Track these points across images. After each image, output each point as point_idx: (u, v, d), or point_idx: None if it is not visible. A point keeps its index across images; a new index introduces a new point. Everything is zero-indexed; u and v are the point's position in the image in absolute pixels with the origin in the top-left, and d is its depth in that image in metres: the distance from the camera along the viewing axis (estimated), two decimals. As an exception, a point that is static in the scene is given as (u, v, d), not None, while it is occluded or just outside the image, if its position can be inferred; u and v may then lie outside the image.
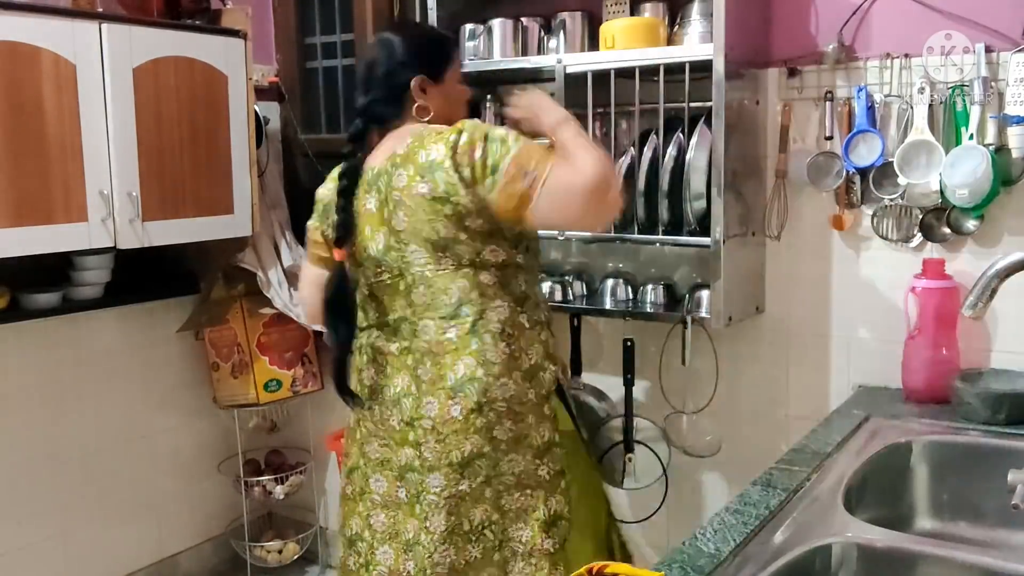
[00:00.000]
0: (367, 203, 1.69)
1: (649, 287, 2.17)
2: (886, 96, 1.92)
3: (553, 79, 2.04)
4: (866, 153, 1.92)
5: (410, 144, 1.64)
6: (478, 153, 1.55)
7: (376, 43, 1.77)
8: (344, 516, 1.83)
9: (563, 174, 1.54)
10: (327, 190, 1.81)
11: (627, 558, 1.92)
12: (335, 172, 1.78)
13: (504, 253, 1.65)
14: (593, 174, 1.52)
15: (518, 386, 1.65)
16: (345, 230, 1.69)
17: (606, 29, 1.98)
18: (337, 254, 1.70)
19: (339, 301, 1.70)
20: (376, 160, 1.70)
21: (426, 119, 1.71)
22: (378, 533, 1.74)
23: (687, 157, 1.92)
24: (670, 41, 2.00)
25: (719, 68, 1.82)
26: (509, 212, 1.56)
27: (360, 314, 1.78)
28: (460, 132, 1.58)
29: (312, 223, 1.84)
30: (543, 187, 1.53)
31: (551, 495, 1.70)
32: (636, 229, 2.05)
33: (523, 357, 1.67)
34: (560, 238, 2.13)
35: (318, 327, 1.90)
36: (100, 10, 2.33)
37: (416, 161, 1.60)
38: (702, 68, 1.87)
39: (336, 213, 1.70)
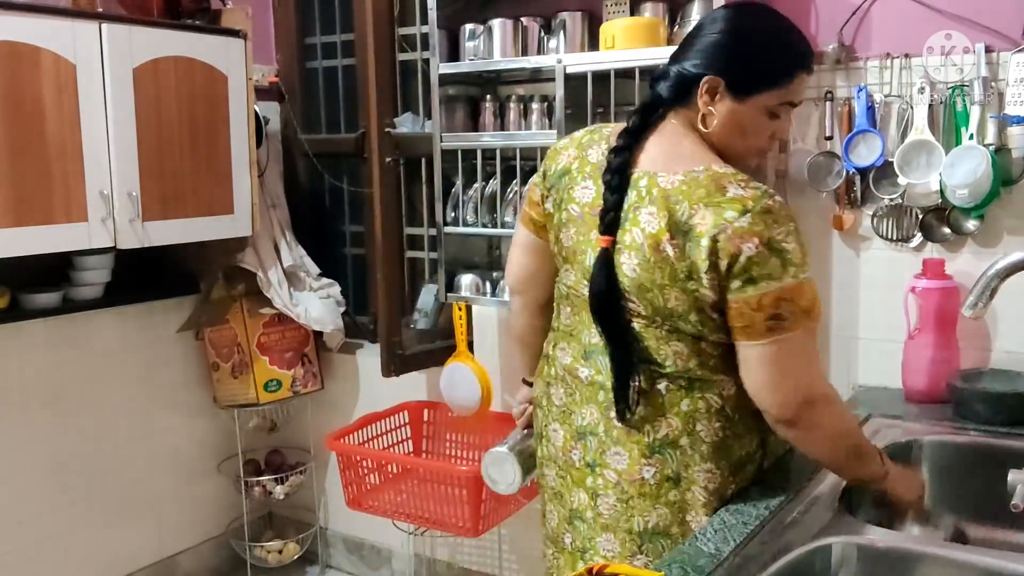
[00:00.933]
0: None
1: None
2: (886, 96, 1.92)
3: (553, 79, 2.03)
4: (866, 153, 1.92)
5: (680, 181, 1.32)
6: (748, 251, 1.25)
7: (723, 13, 1.41)
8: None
9: (804, 353, 1.31)
10: (570, 157, 1.48)
11: None
12: (584, 137, 1.49)
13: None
14: (830, 434, 1.35)
15: (723, 479, 1.39)
16: (614, 221, 1.36)
17: (606, 29, 1.98)
18: (603, 240, 1.36)
19: (608, 299, 1.37)
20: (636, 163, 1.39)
21: (706, 130, 1.38)
22: (546, 567, 1.59)
23: (687, 157, 1.91)
24: (670, 41, 2.00)
25: (719, 68, 1.81)
26: (739, 325, 1.31)
27: (554, 311, 1.56)
28: (744, 212, 1.26)
29: (535, 179, 1.55)
30: (778, 344, 1.28)
31: None
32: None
33: (735, 446, 1.40)
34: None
35: (510, 299, 1.67)
36: (100, 10, 2.34)
37: (672, 211, 1.30)
38: (702, 68, 1.87)
39: (606, 204, 1.37)
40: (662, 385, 1.37)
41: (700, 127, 1.38)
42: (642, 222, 1.33)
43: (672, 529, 1.38)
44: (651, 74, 1.44)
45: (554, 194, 1.49)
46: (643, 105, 1.42)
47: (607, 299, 1.37)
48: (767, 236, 1.26)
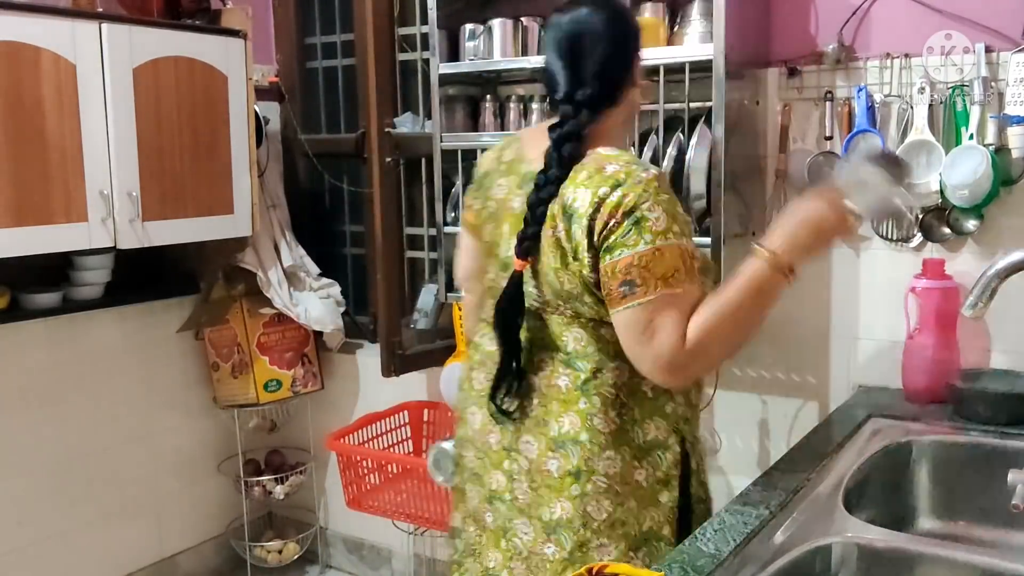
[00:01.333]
0: (513, 201, 1.48)
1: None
2: (886, 96, 1.92)
3: (553, 79, 2.03)
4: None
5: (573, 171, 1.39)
6: (612, 222, 1.32)
7: (593, 11, 1.43)
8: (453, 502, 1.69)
9: (662, 320, 1.30)
10: (490, 160, 1.59)
11: None
12: (504, 142, 1.59)
13: None
14: (675, 360, 1.30)
15: (625, 464, 1.42)
16: (533, 243, 1.41)
17: (606, 29, 1.98)
18: (518, 264, 1.43)
19: (510, 315, 1.45)
20: (535, 155, 1.46)
21: (633, 111, 1.50)
22: (468, 543, 1.60)
23: (687, 157, 1.92)
24: (670, 41, 2.00)
25: (719, 68, 1.82)
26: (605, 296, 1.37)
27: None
28: (615, 187, 1.32)
29: (471, 186, 1.65)
30: (632, 309, 1.31)
31: None
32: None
33: (636, 431, 1.43)
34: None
35: (460, 292, 1.75)
36: (100, 10, 2.34)
37: (562, 197, 1.37)
38: (702, 68, 1.87)
39: (528, 222, 1.42)
40: (563, 382, 1.43)
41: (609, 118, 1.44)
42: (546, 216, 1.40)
43: (575, 522, 1.42)
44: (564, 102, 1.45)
45: (481, 194, 1.59)
46: (570, 134, 1.41)
47: (509, 315, 1.44)
48: (631, 205, 1.31)
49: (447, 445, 1.88)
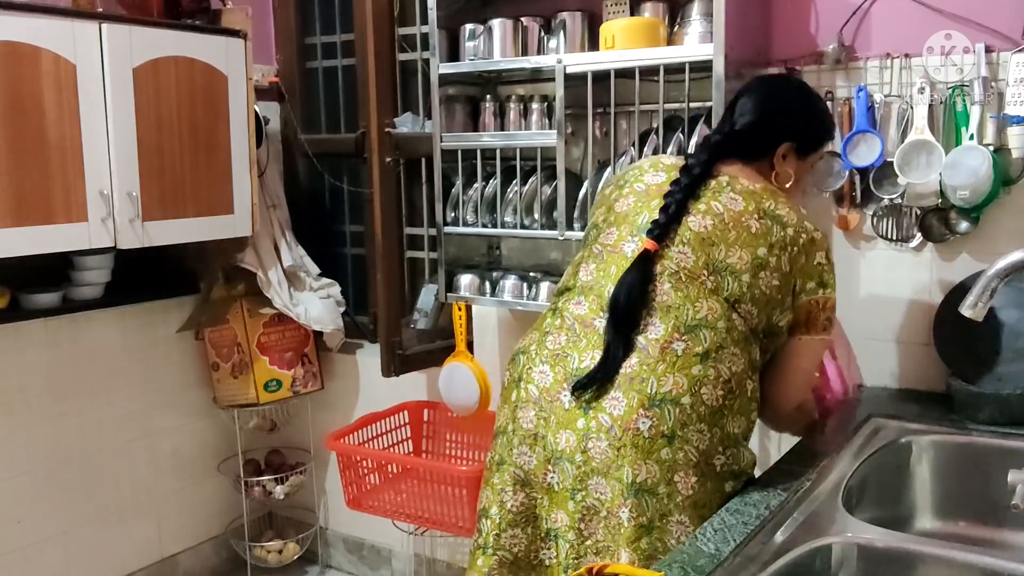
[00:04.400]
0: (666, 187, 1.58)
1: (649, 287, 2.17)
2: (886, 96, 1.92)
3: (553, 79, 2.04)
4: (866, 153, 1.92)
5: (760, 188, 1.55)
6: (821, 260, 1.53)
7: (780, 85, 1.73)
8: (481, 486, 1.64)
9: (801, 375, 1.60)
10: (641, 167, 1.67)
11: None
12: (646, 163, 1.68)
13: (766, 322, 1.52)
14: (799, 413, 1.65)
15: (711, 444, 1.43)
16: (669, 223, 1.51)
17: (606, 29, 1.98)
18: (648, 244, 1.50)
19: (632, 297, 1.47)
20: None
21: (776, 185, 1.62)
22: (509, 514, 1.52)
23: (687, 157, 1.92)
24: (670, 41, 2.00)
25: (719, 68, 1.82)
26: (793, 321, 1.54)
27: (568, 271, 1.63)
28: (815, 231, 1.53)
29: (611, 185, 1.71)
30: (823, 340, 1.57)
31: None
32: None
33: (729, 419, 1.45)
34: (560, 238, 2.12)
35: None
36: (100, 10, 2.34)
37: (758, 202, 1.52)
38: (702, 68, 1.87)
39: (668, 199, 1.53)
40: (678, 347, 1.44)
41: (772, 181, 1.61)
42: (724, 200, 1.53)
43: (659, 488, 1.39)
44: (721, 129, 1.65)
45: (618, 183, 1.67)
46: (716, 144, 1.61)
47: (631, 296, 1.47)
48: (825, 248, 1.54)
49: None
